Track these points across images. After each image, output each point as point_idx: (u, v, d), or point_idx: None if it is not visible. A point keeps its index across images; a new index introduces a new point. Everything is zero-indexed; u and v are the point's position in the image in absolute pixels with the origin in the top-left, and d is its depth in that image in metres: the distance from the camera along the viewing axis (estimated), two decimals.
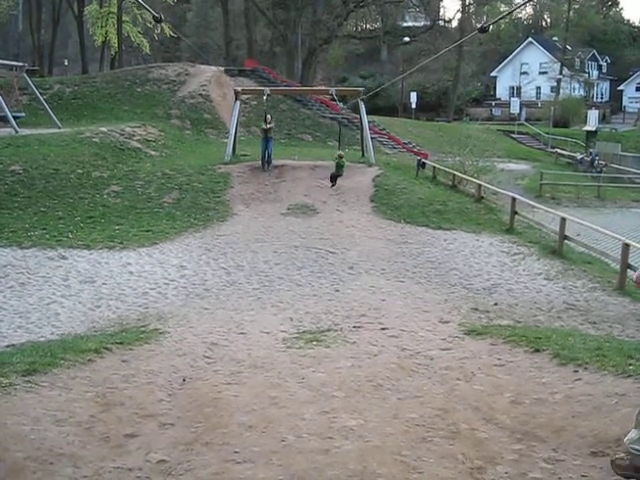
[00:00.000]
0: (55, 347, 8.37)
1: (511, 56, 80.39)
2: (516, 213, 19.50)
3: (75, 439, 5.53)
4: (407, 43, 67.02)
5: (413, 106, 58.72)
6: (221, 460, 5.16)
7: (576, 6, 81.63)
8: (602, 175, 38.58)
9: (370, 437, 5.56)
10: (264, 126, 23.62)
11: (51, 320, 11.95)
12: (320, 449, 5.30)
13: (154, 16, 9.49)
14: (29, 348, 8.74)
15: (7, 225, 17.72)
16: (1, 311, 12.34)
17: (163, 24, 49.99)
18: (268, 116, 23.90)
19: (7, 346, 10.17)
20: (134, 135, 27.20)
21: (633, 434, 4.65)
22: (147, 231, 18.12)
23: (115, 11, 49.65)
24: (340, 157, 21.42)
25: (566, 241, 16.80)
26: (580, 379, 6.74)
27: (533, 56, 78.78)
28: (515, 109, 61.59)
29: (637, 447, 4.56)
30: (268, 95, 25.40)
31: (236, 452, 5.28)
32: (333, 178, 21.48)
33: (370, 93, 22.27)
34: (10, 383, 6.51)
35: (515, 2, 78.64)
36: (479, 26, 7.17)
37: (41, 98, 30.58)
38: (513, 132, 54.57)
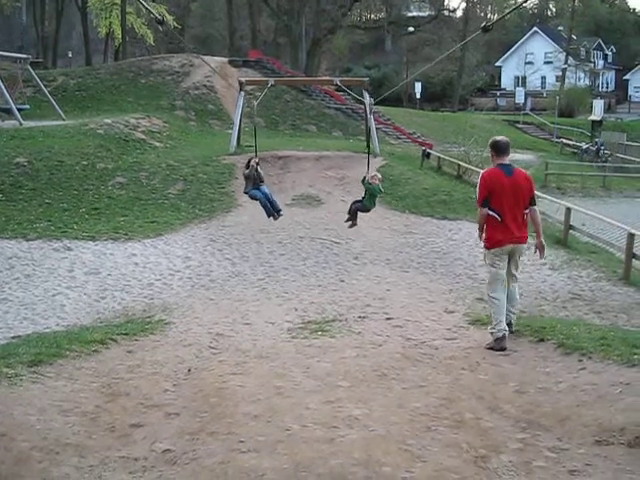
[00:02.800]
0: (61, 338, 8.40)
1: (516, 46, 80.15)
2: None
3: (81, 429, 5.56)
4: (412, 33, 66.74)
5: (418, 96, 58.53)
6: (226, 449, 5.18)
7: None
8: (608, 165, 38.46)
9: (375, 426, 5.57)
10: (246, 171, 14.51)
11: (57, 311, 12.01)
12: (325, 438, 5.31)
13: (156, 18, 9.46)
14: (35, 339, 8.78)
15: (12, 217, 17.75)
16: (7, 303, 12.39)
17: (167, 16, 49.98)
18: (253, 161, 14.41)
19: (13, 337, 10.23)
20: (138, 126, 27.18)
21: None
22: (152, 222, 18.13)
23: (119, 2, 49.60)
24: (375, 180, 13.17)
25: (571, 231, 16.76)
26: (584, 368, 6.74)
27: (538, 46, 78.54)
28: (520, 99, 61.38)
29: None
30: (272, 85, 25.29)
31: (241, 441, 5.30)
32: (354, 213, 13.62)
33: (382, 97, 20.24)
34: (16, 374, 6.54)
35: None
36: (482, 23, 7.22)
37: (45, 90, 30.56)
38: (518, 122, 54.38)
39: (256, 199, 14.48)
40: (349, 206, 13.77)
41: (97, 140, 23.95)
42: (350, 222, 13.79)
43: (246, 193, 14.74)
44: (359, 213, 13.65)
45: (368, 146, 16.46)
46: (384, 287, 12.59)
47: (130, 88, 35.81)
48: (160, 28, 53.76)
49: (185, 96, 35.20)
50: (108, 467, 4.95)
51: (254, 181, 14.36)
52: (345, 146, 27.41)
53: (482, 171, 8.43)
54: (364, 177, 13.34)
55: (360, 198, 13.58)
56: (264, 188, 14.72)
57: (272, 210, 14.62)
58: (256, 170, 14.29)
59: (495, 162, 8.30)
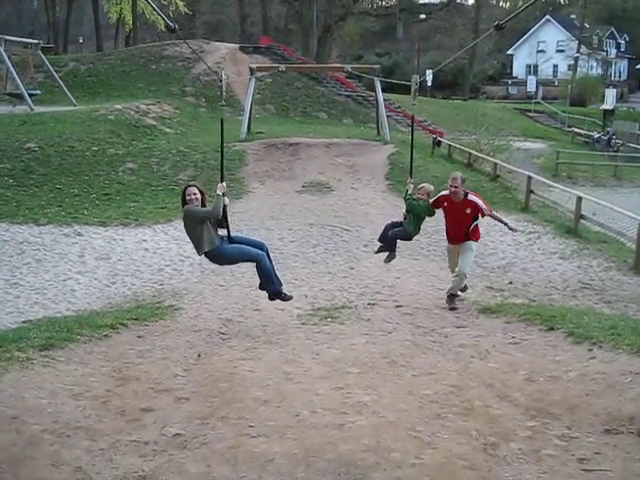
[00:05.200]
0: (71, 322, 8.43)
1: (528, 34, 79.62)
2: (532, 192, 19.36)
3: (92, 413, 5.59)
4: (423, 20, 66.48)
5: (429, 84, 58.26)
6: (236, 434, 5.20)
7: None
8: (619, 154, 38.30)
9: (384, 413, 5.58)
10: (207, 210, 8.50)
11: (67, 296, 12.06)
12: (334, 424, 5.33)
13: (168, 25, 9.31)
14: (46, 323, 8.81)
15: (23, 202, 17.80)
16: (18, 287, 12.45)
17: (178, 2, 49.85)
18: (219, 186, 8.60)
19: (24, 322, 10.28)
20: (149, 112, 27.17)
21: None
22: (162, 208, 18.15)
23: None
24: (423, 193, 10.40)
25: (582, 220, 16.69)
26: (594, 357, 6.73)
27: (550, 34, 78.03)
28: (532, 87, 61.18)
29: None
30: (282, 71, 25.20)
31: (251, 426, 5.32)
32: (391, 242, 10.18)
33: (424, 77, 17.79)
34: (27, 358, 6.58)
35: None
36: (495, 22, 7.23)
37: (56, 76, 30.58)
38: (530, 111, 54.20)
39: (249, 260, 8.96)
40: (382, 231, 10.40)
41: (108, 126, 23.97)
42: (386, 254, 10.30)
43: (210, 253, 8.53)
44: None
45: (412, 144, 12.27)
46: (394, 274, 12.57)
47: (141, 74, 35.78)
48: (171, 12, 53.73)
49: (196, 82, 35.14)
50: (119, 450, 4.98)
51: (220, 228, 8.67)
52: (355, 133, 27.37)
53: (470, 191, 10.88)
54: (406, 190, 10.24)
55: (399, 220, 10.32)
56: (257, 240, 9.37)
57: (279, 284, 9.15)
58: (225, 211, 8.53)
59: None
